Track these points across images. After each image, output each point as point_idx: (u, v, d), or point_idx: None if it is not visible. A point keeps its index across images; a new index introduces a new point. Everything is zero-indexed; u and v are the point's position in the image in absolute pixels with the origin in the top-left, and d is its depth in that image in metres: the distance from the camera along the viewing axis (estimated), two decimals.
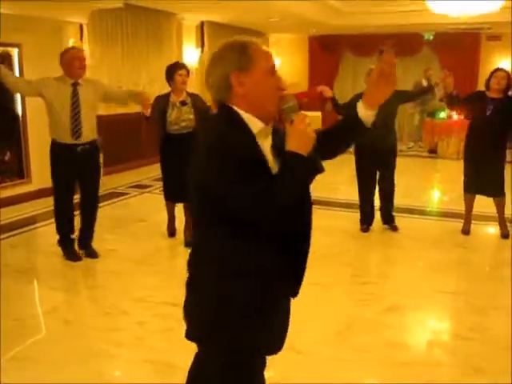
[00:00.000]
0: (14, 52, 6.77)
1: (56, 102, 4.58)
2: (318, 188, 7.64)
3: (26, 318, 3.81)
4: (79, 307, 4.12)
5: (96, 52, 8.12)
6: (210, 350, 1.88)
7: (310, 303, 4.03)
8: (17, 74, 6.82)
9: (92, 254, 4.96)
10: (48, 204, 6.58)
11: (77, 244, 5.00)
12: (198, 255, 1.87)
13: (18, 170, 7.01)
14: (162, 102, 5.06)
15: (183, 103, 5.06)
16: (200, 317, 1.85)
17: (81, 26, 7.88)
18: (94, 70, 8.08)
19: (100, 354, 3.32)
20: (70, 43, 7.68)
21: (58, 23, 6.99)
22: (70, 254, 4.87)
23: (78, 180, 4.88)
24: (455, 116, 10.61)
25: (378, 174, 5.75)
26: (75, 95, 4.61)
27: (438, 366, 3.22)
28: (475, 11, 7.99)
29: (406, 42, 11.83)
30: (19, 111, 6.84)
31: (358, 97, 5.51)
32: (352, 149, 5.92)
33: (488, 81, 5.40)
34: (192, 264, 1.89)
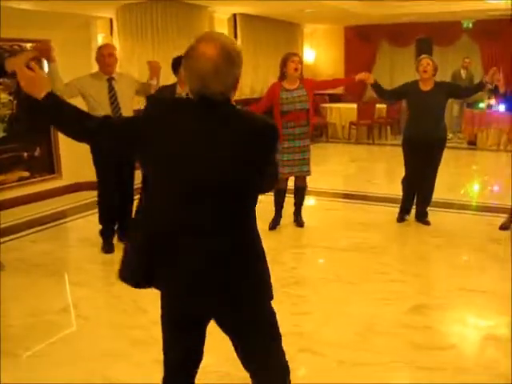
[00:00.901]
0: None
1: (94, 97, 4.68)
2: (353, 182, 7.57)
3: (46, 313, 3.78)
4: (100, 303, 4.07)
5: (126, 46, 8.11)
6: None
7: (330, 301, 3.94)
8: (46, 69, 6.87)
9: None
10: (77, 199, 6.69)
11: (117, 236, 5.09)
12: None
13: (49, 165, 7.06)
14: (167, 94, 5.10)
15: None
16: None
17: (110, 21, 7.88)
18: (125, 64, 8.10)
19: (114, 352, 3.27)
20: (100, 38, 7.72)
21: (86, 18, 6.98)
22: (107, 245, 4.92)
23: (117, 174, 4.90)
24: (494, 107, 10.21)
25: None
26: (111, 90, 4.73)
27: (464, 373, 3.02)
28: None
29: (444, 31, 11.49)
30: None
31: (407, 85, 5.33)
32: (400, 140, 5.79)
33: None
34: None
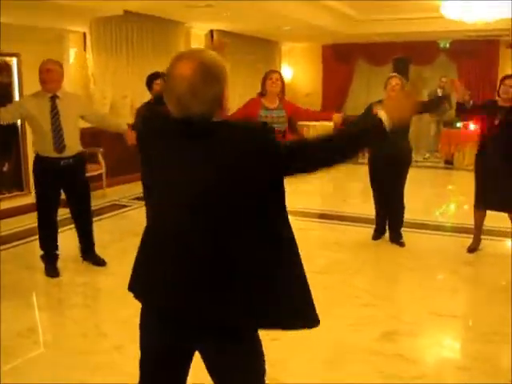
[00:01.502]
0: (13, 61, 6.66)
1: (36, 118, 4.51)
2: (328, 202, 7.52)
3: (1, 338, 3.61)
4: (58, 328, 3.91)
5: (100, 61, 7.99)
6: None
7: None
8: (16, 84, 6.72)
9: (98, 262, 4.94)
10: None
11: (80, 255, 5.02)
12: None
13: (17, 181, 6.88)
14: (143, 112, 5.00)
15: None
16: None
17: (84, 35, 7.76)
18: (99, 80, 7.98)
19: (73, 381, 3.11)
20: (72, 52, 7.61)
21: (59, 32, 6.86)
22: (49, 270, 4.75)
23: (66, 194, 4.81)
24: (472, 126, 10.25)
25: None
26: (54, 109, 4.51)
27: None
28: (491, 17, 7.70)
29: (421, 50, 11.56)
30: (18, 122, 6.71)
31: (372, 106, 5.32)
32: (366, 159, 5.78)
33: (498, 88, 5.12)
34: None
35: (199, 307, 1.75)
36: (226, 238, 1.73)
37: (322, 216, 6.99)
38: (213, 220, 1.72)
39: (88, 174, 7.69)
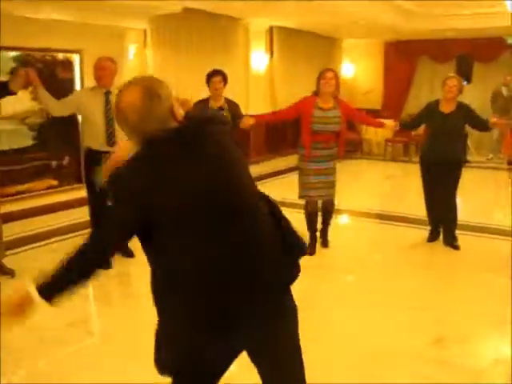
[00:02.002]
0: (76, 58, 6.87)
1: (90, 111, 4.69)
2: (384, 201, 7.40)
3: (51, 328, 3.72)
4: (110, 319, 4.00)
5: (160, 58, 8.11)
6: None
7: (342, 328, 3.76)
8: (77, 79, 6.93)
9: (127, 254, 4.97)
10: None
11: None
12: None
13: (77, 174, 7.09)
14: (201, 107, 5.25)
15: (221, 109, 5.30)
16: None
17: (145, 32, 7.90)
18: (158, 76, 8.09)
19: (119, 373, 3.18)
20: (133, 49, 7.76)
21: (119, 29, 7.02)
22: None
23: None
24: None
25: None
26: (108, 104, 4.66)
27: None
28: None
29: (485, 47, 11.16)
30: (79, 116, 6.90)
31: (429, 107, 5.24)
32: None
33: None
34: None
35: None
36: (254, 217, 1.88)
37: (376, 216, 6.86)
38: (240, 205, 1.84)
39: None
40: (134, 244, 1.89)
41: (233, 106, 5.50)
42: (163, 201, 1.74)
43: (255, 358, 1.99)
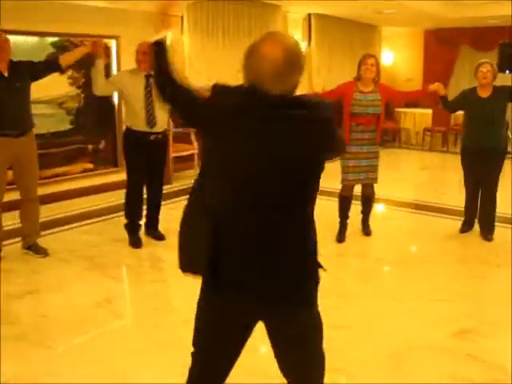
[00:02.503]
0: (113, 44, 6.95)
1: (131, 93, 4.80)
2: (420, 192, 7.26)
3: (80, 307, 3.81)
4: (134, 300, 4.07)
5: (196, 44, 8.14)
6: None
7: (369, 316, 3.73)
8: (114, 64, 7.01)
9: (158, 237, 5.13)
10: None
11: (144, 229, 5.19)
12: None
13: (112, 158, 7.20)
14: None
15: None
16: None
17: (182, 18, 7.92)
18: (194, 63, 8.14)
19: (138, 353, 3.23)
20: (170, 35, 7.79)
21: (157, 15, 7.03)
22: (133, 240, 5.01)
23: (150, 167, 4.99)
24: None
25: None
26: (148, 86, 4.75)
27: None
28: None
29: None
30: (115, 101, 6.99)
31: (466, 92, 5.10)
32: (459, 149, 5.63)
33: None
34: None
35: (273, 277, 1.85)
36: (294, 208, 1.86)
37: (411, 205, 6.76)
38: (286, 190, 1.82)
39: (180, 154, 7.99)
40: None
41: None
42: (226, 139, 1.80)
43: (270, 339, 2.02)
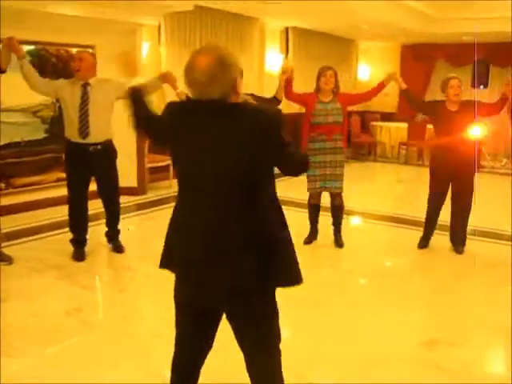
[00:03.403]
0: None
1: (68, 102, 4.71)
2: (394, 204, 7.27)
3: (48, 316, 3.78)
4: (103, 309, 4.04)
5: (173, 55, 8.15)
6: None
7: (341, 326, 3.76)
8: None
9: (117, 249, 5.12)
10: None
11: (107, 240, 5.21)
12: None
13: None
14: None
15: None
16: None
17: (158, 29, 7.94)
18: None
19: (104, 361, 3.21)
20: (145, 46, 7.81)
21: (132, 25, 7.06)
22: (76, 254, 4.91)
23: (95, 179, 4.95)
24: None
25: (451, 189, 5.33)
26: (84, 95, 4.69)
27: None
28: None
29: (503, 52, 11.05)
30: None
31: (434, 104, 5.12)
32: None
33: None
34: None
35: (225, 272, 2.02)
36: (242, 203, 2.02)
37: (386, 218, 6.81)
38: (232, 187, 2.01)
39: (156, 165, 7.98)
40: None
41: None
42: (179, 147, 2.08)
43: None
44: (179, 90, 5.19)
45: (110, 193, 5.01)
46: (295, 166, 2.17)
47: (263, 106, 2.24)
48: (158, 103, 2.41)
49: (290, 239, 2.17)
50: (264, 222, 2.06)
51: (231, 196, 2.01)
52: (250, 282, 2.02)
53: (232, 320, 2.16)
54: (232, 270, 2.01)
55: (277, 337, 2.20)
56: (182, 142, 2.06)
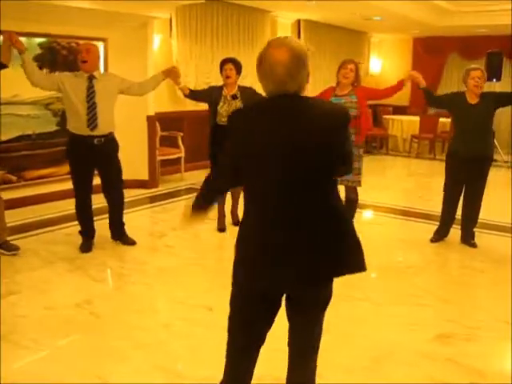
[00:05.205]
0: (100, 46, 6.92)
1: (72, 95, 4.67)
2: (404, 198, 7.24)
3: (60, 308, 3.79)
4: (114, 302, 4.04)
5: (184, 47, 8.15)
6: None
7: (351, 321, 3.73)
8: (102, 67, 6.98)
9: (127, 242, 5.13)
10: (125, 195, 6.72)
11: (110, 235, 5.21)
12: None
13: None
14: (215, 94, 5.30)
15: (234, 97, 5.25)
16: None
17: (170, 21, 7.92)
18: (182, 66, 8.13)
19: (115, 353, 3.21)
20: (157, 39, 7.79)
21: (144, 18, 7.04)
22: (82, 245, 4.96)
23: (98, 172, 4.96)
24: None
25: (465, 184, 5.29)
26: (90, 88, 4.68)
27: None
28: None
29: None
30: None
31: (453, 96, 5.05)
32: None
33: None
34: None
35: (306, 259, 2.12)
36: (321, 191, 2.12)
37: (397, 211, 6.78)
38: (311, 177, 2.07)
39: (167, 157, 7.98)
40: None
41: (247, 94, 5.28)
42: (250, 150, 2.07)
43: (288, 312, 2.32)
44: (181, 85, 5.29)
45: (115, 185, 5.01)
46: (349, 166, 2.28)
47: (327, 101, 2.35)
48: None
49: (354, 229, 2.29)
50: (339, 211, 2.19)
51: (313, 185, 2.09)
52: (331, 270, 2.25)
53: (296, 305, 2.28)
54: (315, 257, 2.11)
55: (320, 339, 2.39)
56: (256, 143, 2.06)
